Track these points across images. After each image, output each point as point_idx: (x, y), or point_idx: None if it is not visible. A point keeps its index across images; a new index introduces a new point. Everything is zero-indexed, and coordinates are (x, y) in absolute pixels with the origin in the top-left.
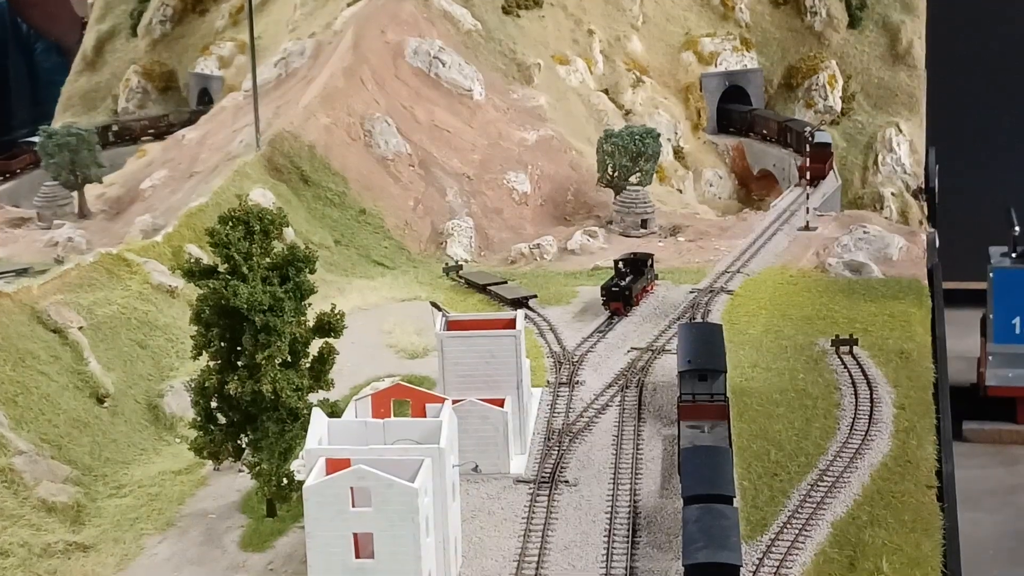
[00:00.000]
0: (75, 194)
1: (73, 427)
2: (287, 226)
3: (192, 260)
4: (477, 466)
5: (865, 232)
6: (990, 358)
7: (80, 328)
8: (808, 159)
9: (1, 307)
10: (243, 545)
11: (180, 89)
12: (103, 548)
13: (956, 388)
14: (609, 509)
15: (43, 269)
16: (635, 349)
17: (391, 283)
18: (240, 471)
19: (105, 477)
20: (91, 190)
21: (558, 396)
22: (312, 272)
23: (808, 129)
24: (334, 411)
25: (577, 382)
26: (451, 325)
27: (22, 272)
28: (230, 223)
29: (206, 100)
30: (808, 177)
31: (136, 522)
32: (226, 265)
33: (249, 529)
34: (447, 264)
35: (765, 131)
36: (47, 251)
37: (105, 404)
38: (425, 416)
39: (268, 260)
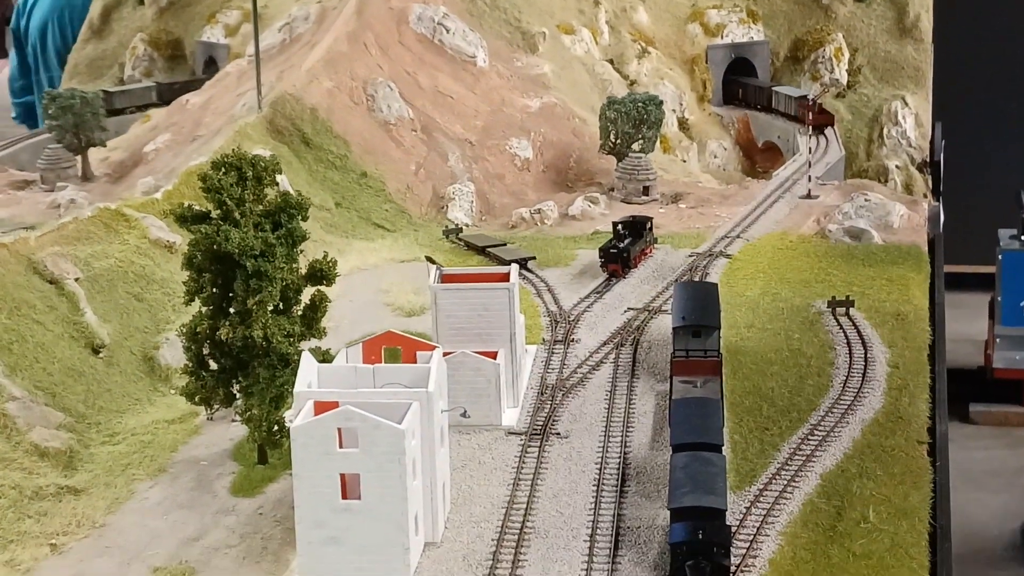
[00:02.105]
0: (78, 157)
1: (68, 376)
2: (280, 173)
3: (185, 206)
4: (466, 412)
5: (866, 200)
6: (997, 340)
7: (77, 280)
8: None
9: None
10: (234, 491)
11: (186, 57)
12: (94, 492)
13: (963, 371)
14: (599, 460)
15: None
16: (631, 309)
17: (391, 245)
18: (233, 420)
19: (98, 425)
20: (95, 154)
21: (553, 353)
22: (304, 219)
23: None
24: (325, 358)
25: (572, 340)
26: (445, 278)
27: None
28: (223, 169)
29: (212, 68)
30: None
31: (128, 468)
32: (218, 211)
33: (240, 475)
34: (447, 227)
35: (757, 101)
36: (50, 212)
37: (100, 354)
38: (416, 364)
39: (260, 207)
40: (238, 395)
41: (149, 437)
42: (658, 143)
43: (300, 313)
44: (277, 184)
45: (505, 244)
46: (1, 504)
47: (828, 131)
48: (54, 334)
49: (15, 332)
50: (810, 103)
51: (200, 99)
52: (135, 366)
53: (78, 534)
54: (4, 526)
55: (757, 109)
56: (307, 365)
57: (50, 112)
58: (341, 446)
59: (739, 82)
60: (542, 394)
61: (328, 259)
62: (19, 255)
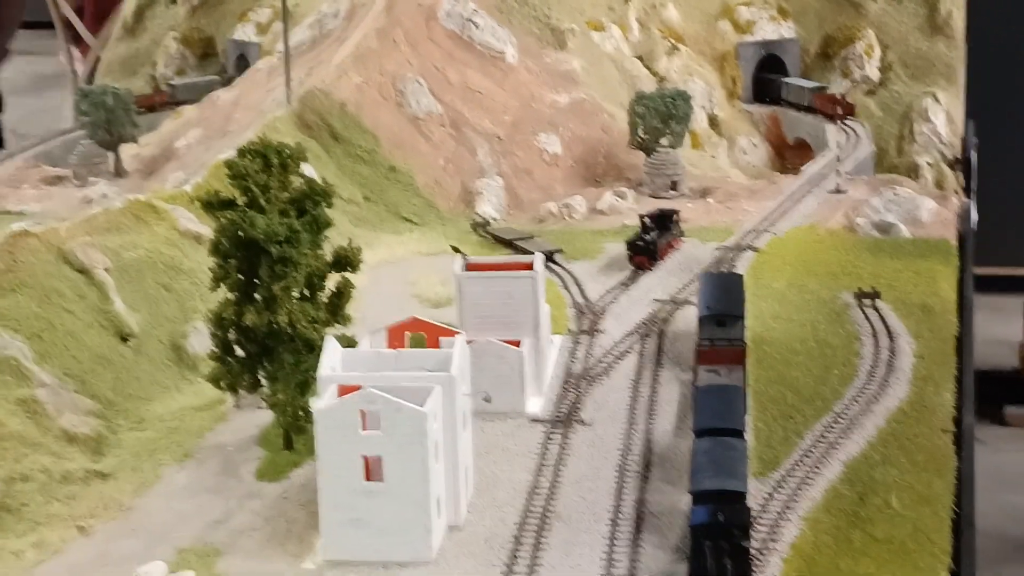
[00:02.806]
0: (110, 153)
1: (96, 363)
2: (304, 161)
3: (211, 192)
4: (488, 395)
5: (895, 194)
6: None
7: (106, 269)
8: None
9: (27, 245)
10: (259, 475)
11: (218, 55)
12: (122, 476)
13: (998, 373)
14: (623, 447)
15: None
16: (658, 301)
17: (419, 238)
18: (259, 407)
19: (127, 411)
20: (127, 150)
21: (578, 343)
22: (329, 206)
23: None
24: (350, 344)
25: (598, 331)
26: (470, 267)
27: None
28: (248, 155)
29: (243, 67)
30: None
31: (155, 453)
32: (244, 198)
33: (266, 461)
34: (475, 221)
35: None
36: (81, 207)
37: (129, 343)
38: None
39: (286, 194)
40: (263, 381)
41: (176, 423)
42: (687, 139)
43: (325, 300)
44: (301, 171)
45: (532, 237)
46: (30, 487)
47: (858, 127)
48: (83, 322)
49: (45, 320)
50: (830, 95)
51: (230, 95)
52: (163, 354)
53: (105, 517)
54: (33, 509)
55: (765, 102)
56: (331, 350)
57: (82, 108)
58: (364, 429)
59: (762, 79)
60: (566, 383)
61: (353, 246)
62: (49, 244)
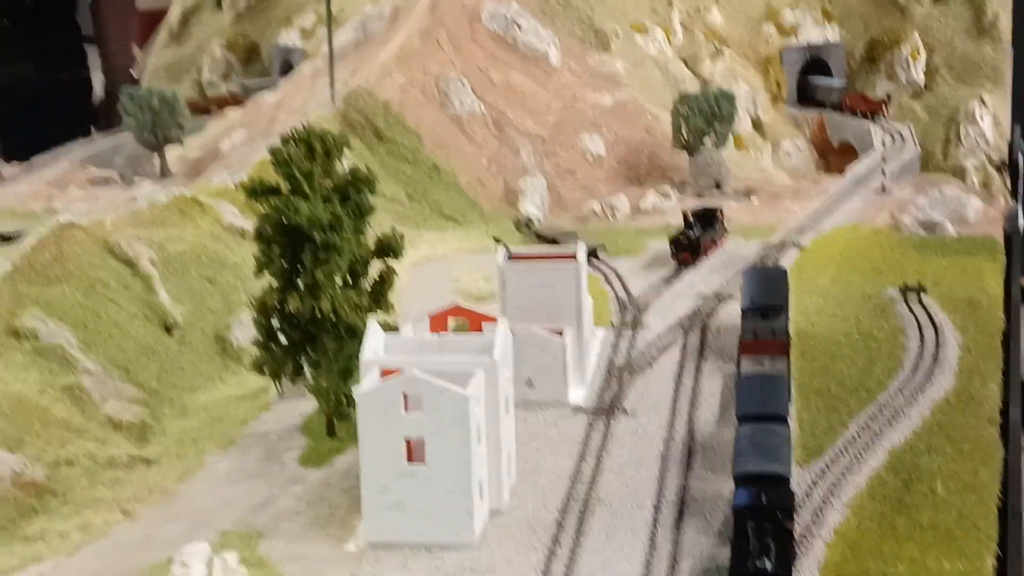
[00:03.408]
0: (156, 155)
1: (141, 353)
2: (349, 148)
3: (255, 179)
4: (530, 380)
5: (941, 193)
6: None
7: (151, 261)
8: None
9: (74, 238)
10: (302, 462)
11: (263, 61)
12: (166, 462)
13: None
14: (666, 435)
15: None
16: (701, 296)
17: (462, 236)
18: (303, 396)
19: (171, 400)
20: (172, 151)
21: (621, 337)
22: (372, 193)
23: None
24: (392, 330)
25: (641, 324)
26: (513, 257)
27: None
28: (292, 142)
29: (287, 71)
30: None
31: (199, 440)
32: (287, 184)
33: (309, 448)
34: (518, 219)
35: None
36: (127, 207)
37: (173, 333)
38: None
39: (329, 181)
40: (306, 367)
41: (220, 412)
42: (732, 140)
43: (368, 287)
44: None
45: (575, 234)
46: (75, 472)
47: (904, 129)
48: (128, 313)
49: (90, 310)
50: (860, 94)
51: (275, 97)
52: (207, 345)
53: (149, 501)
54: (78, 492)
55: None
56: (374, 334)
57: (128, 110)
58: (407, 411)
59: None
60: (609, 374)
61: (395, 232)
62: (95, 236)
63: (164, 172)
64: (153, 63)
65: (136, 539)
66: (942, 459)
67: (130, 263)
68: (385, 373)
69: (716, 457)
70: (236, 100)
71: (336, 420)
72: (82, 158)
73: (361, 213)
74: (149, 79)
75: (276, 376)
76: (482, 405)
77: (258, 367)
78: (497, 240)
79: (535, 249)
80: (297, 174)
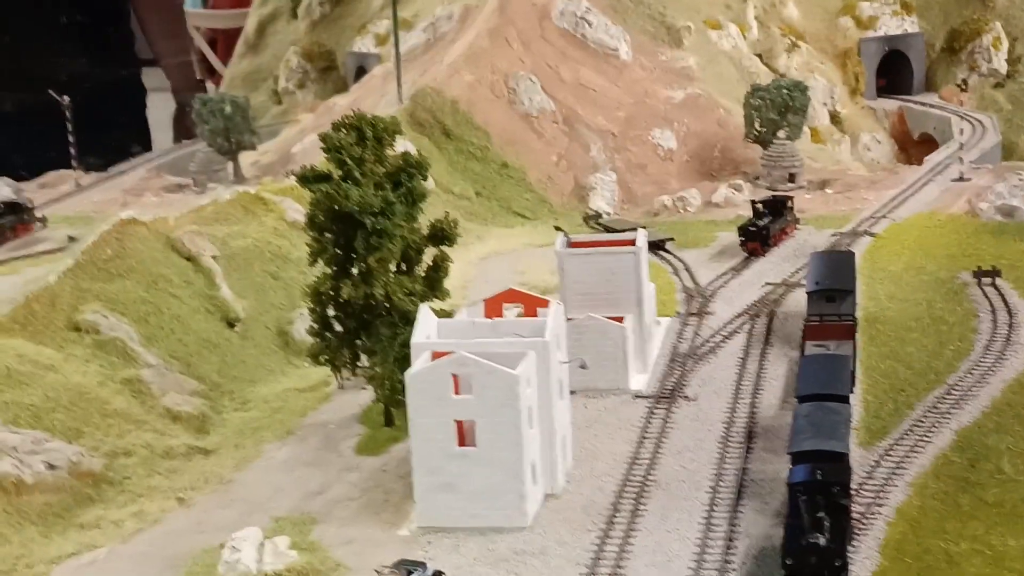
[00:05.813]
0: (229, 160)
1: (202, 347)
2: (400, 134)
3: (307, 167)
4: (584, 363)
5: (1021, 179)
6: None
7: (214, 257)
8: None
9: (136, 234)
10: (359, 450)
11: (338, 68)
12: (223, 452)
13: None
14: (727, 420)
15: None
16: (769, 284)
17: (530, 231)
18: (363, 388)
19: (231, 393)
20: (246, 157)
21: (686, 325)
22: (424, 178)
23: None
24: (446, 316)
25: (707, 313)
26: (572, 244)
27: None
28: (343, 129)
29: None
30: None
31: (257, 431)
32: (339, 170)
33: (366, 437)
34: (586, 213)
35: None
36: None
37: (235, 328)
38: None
39: (381, 167)
40: (362, 355)
41: (280, 404)
42: (808, 134)
43: (422, 273)
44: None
45: (644, 227)
46: (132, 461)
47: (985, 119)
48: (190, 307)
49: (151, 304)
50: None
51: (346, 100)
52: (269, 340)
53: (205, 489)
54: (134, 482)
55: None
56: (426, 319)
57: (201, 116)
58: (457, 393)
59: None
60: (673, 361)
61: (449, 218)
62: (157, 232)
63: (238, 177)
64: (231, 73)
65: (189, 525)
66: (1011, 438)
67: (192, 259)
68: (436, 356)
69: (777, 440)
70: None
71: (393, 409)
72: (158, 165)
73: (414, 199)
74: (226, 88)
75: (332, 364)
76: (533, 386)
77: (314, 356)
78: (558, 228)
79: (594, 236)
80: (348, 160)
